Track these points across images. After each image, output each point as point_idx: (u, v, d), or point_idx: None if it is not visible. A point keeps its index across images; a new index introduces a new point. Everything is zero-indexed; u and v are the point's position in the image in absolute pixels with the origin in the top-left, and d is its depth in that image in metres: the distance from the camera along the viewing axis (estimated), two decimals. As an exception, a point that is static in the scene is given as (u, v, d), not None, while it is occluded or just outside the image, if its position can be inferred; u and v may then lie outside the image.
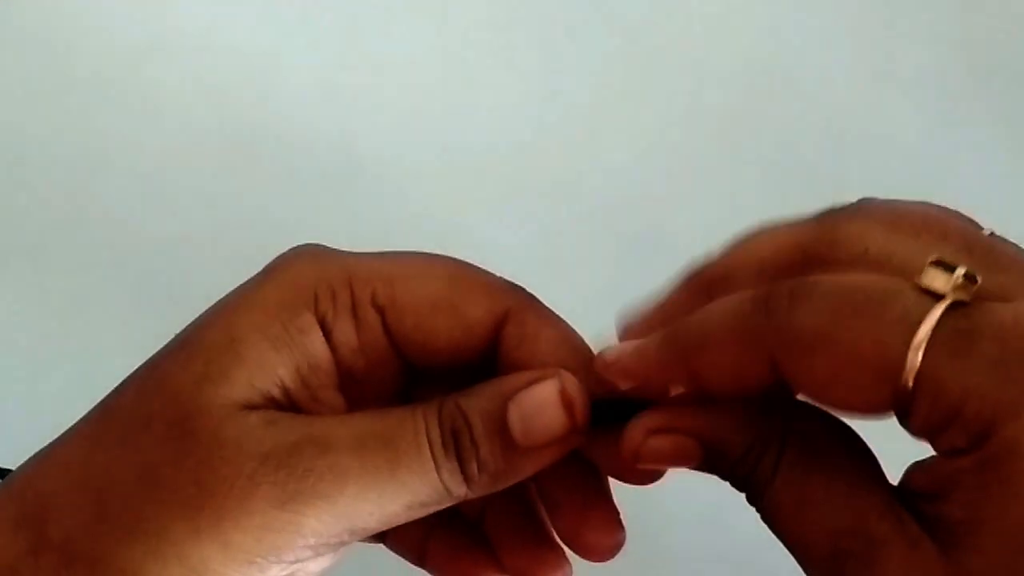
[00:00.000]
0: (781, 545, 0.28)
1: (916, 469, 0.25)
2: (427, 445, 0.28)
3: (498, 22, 0.54)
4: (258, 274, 0.30)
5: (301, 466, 0.27)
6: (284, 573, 0.27)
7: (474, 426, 0.28)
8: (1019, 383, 0.22)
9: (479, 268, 0.31)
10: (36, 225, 0.48)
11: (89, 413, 0.29)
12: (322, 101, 0.51)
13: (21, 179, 0.49)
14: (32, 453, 0.30)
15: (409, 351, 0.31)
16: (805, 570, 0.26)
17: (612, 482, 0.31)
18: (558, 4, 0.55)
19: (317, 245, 0.31)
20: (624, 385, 0.29)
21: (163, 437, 0.27)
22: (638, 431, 0.28)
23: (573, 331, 0.31)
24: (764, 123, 0.53)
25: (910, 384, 0.23)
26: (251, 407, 0.28)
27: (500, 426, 0.28)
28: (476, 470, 0.28)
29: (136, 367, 0.30)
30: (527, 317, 0.30)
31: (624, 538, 0.31)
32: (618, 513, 0.31)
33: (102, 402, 0.29)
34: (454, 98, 0.52)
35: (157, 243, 0.48)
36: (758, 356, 0.25)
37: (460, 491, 0.28)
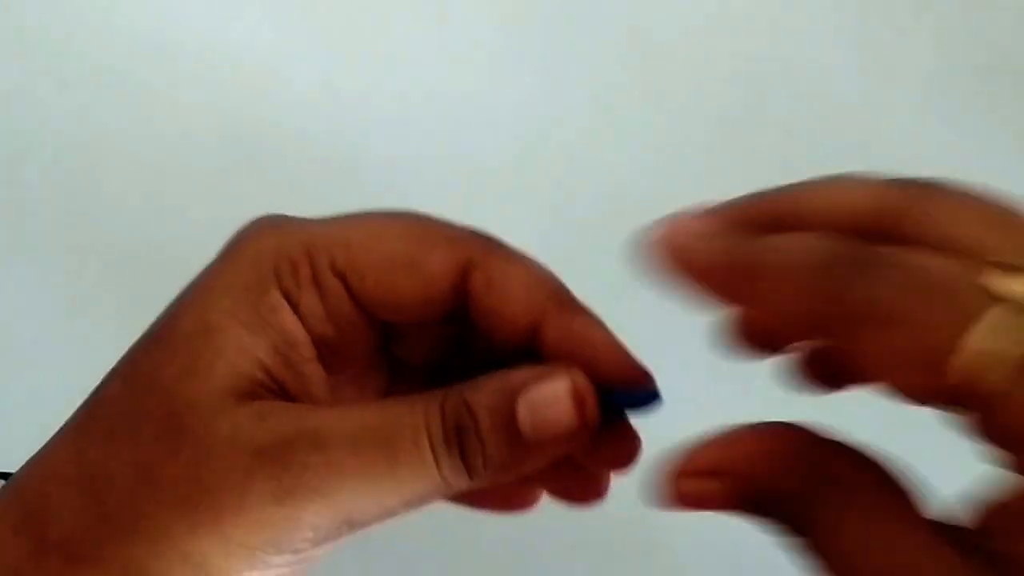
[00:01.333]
0: (781, 544, 0.28)
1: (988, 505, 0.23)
2: (427, 443, 0.27)
3: (498, 22, 0.54)
4: (220, 254, 0.30)
5: (296, 462, 0.26)
6: (286, 562, 0.27)
7: (481, 421, 0.28)
8: None
9: (439, 219, 0.31)
10: (36, 225, 0.48)
11: (76, 413, 0.29)
12: (322, 101, 0.51)
13: (21, 179, 0.49)
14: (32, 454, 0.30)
15: (376, 312, 0.30)
16: None
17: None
18: (558, 4, 0.55)
19: (274, 216, 0.31)
20: (665, 265, 0.29)
21: (155, 435, 0.27)
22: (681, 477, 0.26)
23: (543, 270, 0.31)
24: (764, 123, 0.53)
25: (957, 380, 0.22)
26: (239, 395, 0.28)
27: (508, 422, 0.28)
28: (482, 465, 0.28)
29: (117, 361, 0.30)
30: (492, 262, 0.30)
31: (641, 445, 0.30)
32: (630, 423, 0.30)
33: (88, 401, 0.29)
34: (454, 98, 0.52)
35: (157, 243, 0.48)
36: (815, 313, 0.25)
37: (462, 484, 0.28)
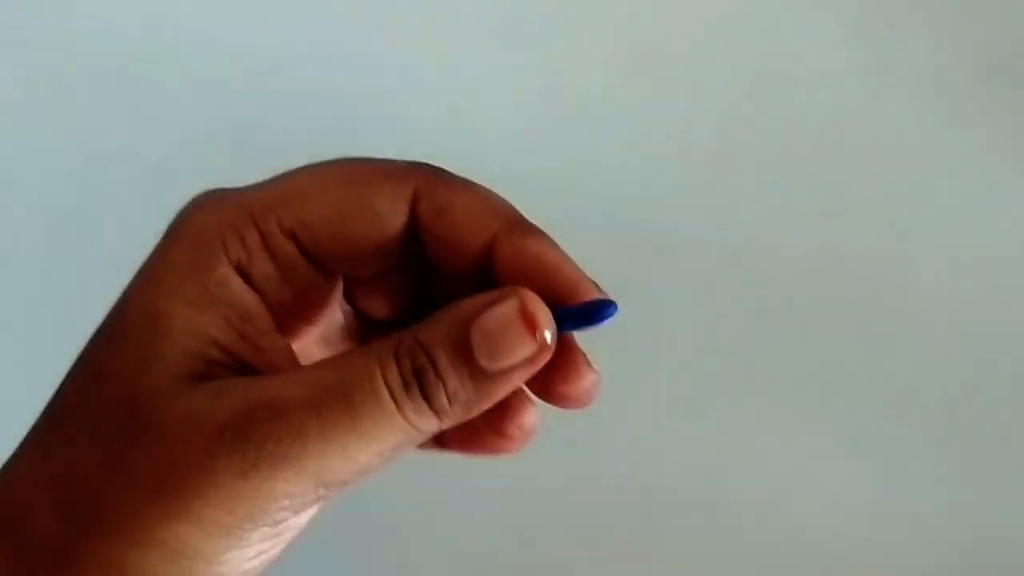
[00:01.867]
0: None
1: None
2: (385, 390, 0.27)
3: (498, 22, 0.54)
4: (161, 238, 0.29)
5: (258, 433, 0.26)
6: (269, 535, 0.27)
7: (438, 360, 0.27)
8: None
9: (377, 159, 0.30)
10: (36, 225, 0.48)
11: (38, 420, 0.29)
12: (322, 101, 0.51)
13: (21, 179, 0.49)
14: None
15: (333, 265, 0.30)
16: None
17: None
18: (559, 4, 0.55)
19: (211, 191, 0.30)
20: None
21: (116, 428, 0.27)
22: None
23: (494, 194, 0.30)
24: (764, 123, 0.53)
25: None
26: (194, 377, 0.27)
27: (464, 354, 0.27)
28: (447, 403, 0.27)
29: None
30: (438, 190, 0.30)
31: (598, 378, 0.30)
32: (585, 356, 0.30)
33: (47, 407, 0.29)
34: (454, 98, 0.52)
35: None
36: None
37: (431, 427, 0.28)
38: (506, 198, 0.31)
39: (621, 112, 0.53)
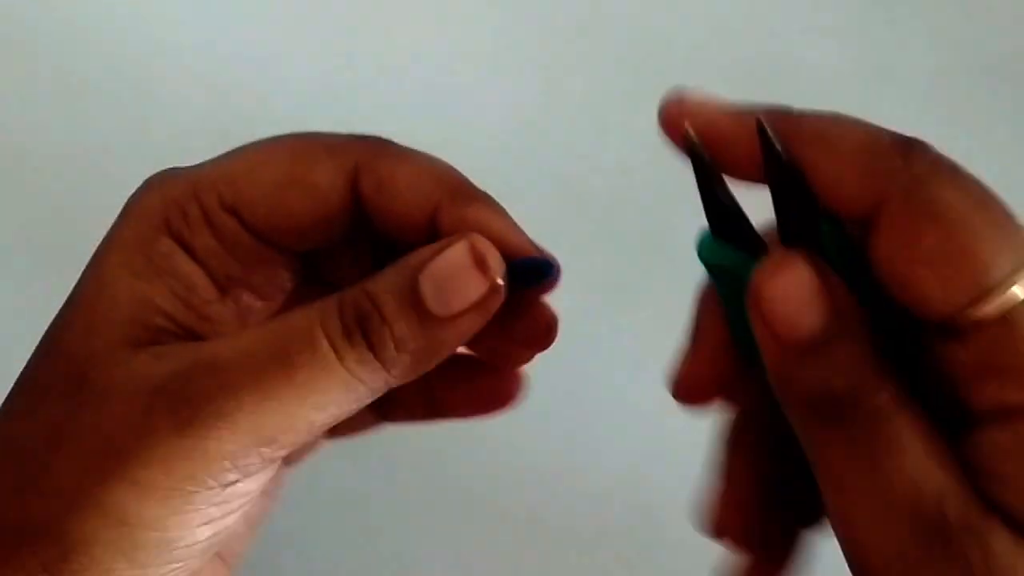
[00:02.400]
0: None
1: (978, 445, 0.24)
2: (323, 340, 0.26)
3: (499, 22, 0.54)
4: (115, 222, 0.29)
5: (193, 391, 0.25)
6: (215, 499, 0.26)
7: (384, 305, 0.26)
8: None
9: (323, 133, 0.30)
10: (36, 225, 0.48)
11: (3, 402, 0.29)
12: (322, 102, 0.51)
13: (21, 179, 0.49)
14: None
15: (276, 239, 0.29)
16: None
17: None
18: (559, 4, 0.55)
19: (165, 171, 0.30)
20: (682, 135, 0.29)
21: (61, 396, 0.27)
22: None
23: (437, 162, 0.30)
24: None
25: (989, 311, 0.23)
26: (138, 344, 0.27)
27: (413, 300, 0.26)
28: (394, 350, 0.26)
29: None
30: (379, 163, 0.29)
31: (554, 314, 0.29)
32: (540, 297, 0.30)
33: (14, 384, 0.29)
34: (454, 98, 0.52)
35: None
36: (869, 192, 0.25)
37: (378, 380, 0.27)
38: (501, 203, 0.30)
39: (621, 112, 0.53)
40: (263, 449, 0.26)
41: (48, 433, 0.26)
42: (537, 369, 0.46)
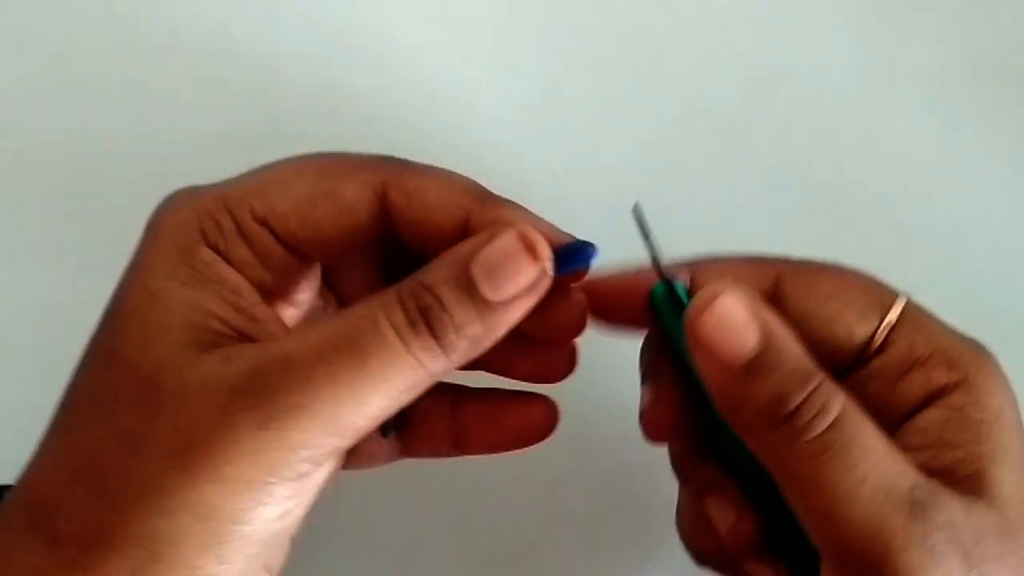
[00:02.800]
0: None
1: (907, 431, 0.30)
2: (391, 329, 0.28)
3: (498, 22, 0.54)
4: (144, 232, 0.30)
5: (269, 386, 0.27)
6: (292, 491, 0.28)
7: (443, 296, 0.28)
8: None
9: (349, 152, 0.31)
10: (36, 225, 0.48)
11: (55, 415, 0.29)
12: (322, 102, 0.51)
13: (21, 179, 0.49)
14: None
15: (305, 250, 0.31)
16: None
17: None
18: (559, 4, 0.55)
19: (186, 188, 0.31)
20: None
21: (130, 405, 0.27)
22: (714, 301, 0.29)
23: (459, 175, 0.31)
24: (764, 123, 0.53)
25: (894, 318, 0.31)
26: (200, 347, 0.28)
27: (469, 289, 0.28)
28: (454, 336, 0.28)
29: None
30: (406, 178, 0.31)
31: (585, 302, 0.32)
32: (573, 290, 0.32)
33: (61, 400, 0.29)
34: (454, 98, 0.52)
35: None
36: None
37: (439, 365, 0.28)
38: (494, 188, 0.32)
39: (621, 112, 0.53)
40: (337, 438, 0.27)
41: (124, 440, 0.27)
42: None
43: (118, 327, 0.29)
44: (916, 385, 0.30)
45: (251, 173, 0.31)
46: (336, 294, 0.35)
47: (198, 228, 0.30)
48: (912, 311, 0.32)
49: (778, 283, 0.32)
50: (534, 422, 0.34)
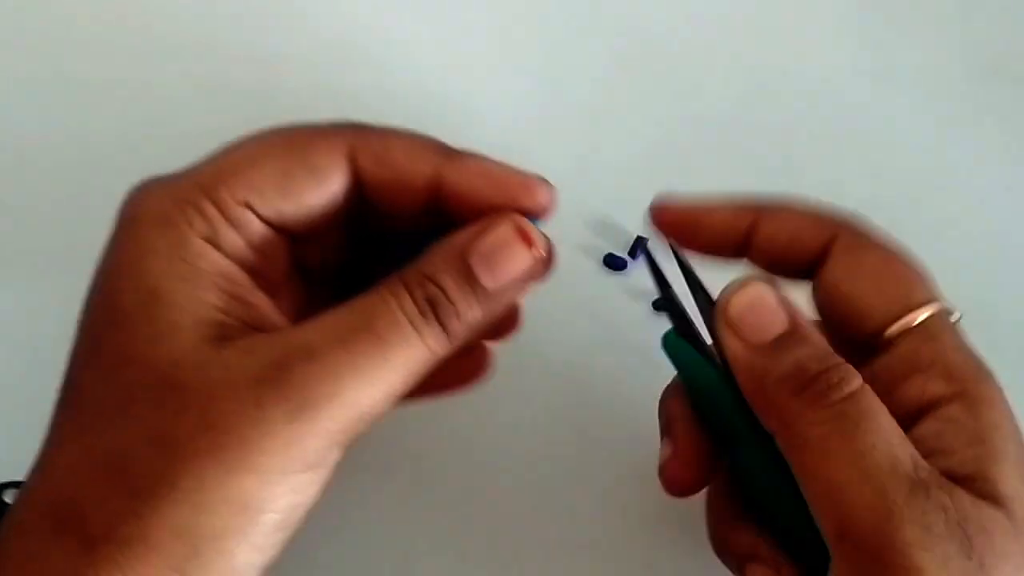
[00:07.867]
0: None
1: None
2: (405, 319, 0.29)
3: (498, 22, 0.54)
4: (118, 228, 0.30)
5: (296, 377, 0.27)
6: (317, 476, 0.28)
7: (448, 288, 0.29)
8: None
9: (305, 122, 0.32)
10: (36, 225, 0.48)
11: (55, 418, 0.29)
12: (323, 102, 0.51)
13: (21, 179, 0.49)
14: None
15: (289, 224, 0.31)
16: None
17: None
18: (559, 4, 0.55)
19: (153, 177, 0.31)
20: (671, 234, 0.34)
21: (153, 404, 0.27)
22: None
23: (415, 131, 0.32)
24: (764, 123, 0.53)
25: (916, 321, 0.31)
26: (213, 340, 0.28)
27: (470, 280, 0.29)
28: (458, 324, 0.29)
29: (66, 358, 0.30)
30: (371, 141, 0.31)
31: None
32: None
33: (62, 398, 0.29)
34: (454, 98, 0.52)
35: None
36: (825, 233, 0.33)
37: (444, 350, 0.30)
38: None
39: (620, 112, 0.53)
40: (362, 424, 0.28)
41: (152, 440, 0.27)
42: (540, 370, 0.46)
43: (121, 329, 0.28)
44: (912, 392, 0.31)
45: (215, 156, 0.31)
46: (304, 275, 0.34)
47: (182, 218, 0.29)
48: (938, 321, 0.31)
49: (831, 243, 0.32)
50: (474, 366, 0.35)
